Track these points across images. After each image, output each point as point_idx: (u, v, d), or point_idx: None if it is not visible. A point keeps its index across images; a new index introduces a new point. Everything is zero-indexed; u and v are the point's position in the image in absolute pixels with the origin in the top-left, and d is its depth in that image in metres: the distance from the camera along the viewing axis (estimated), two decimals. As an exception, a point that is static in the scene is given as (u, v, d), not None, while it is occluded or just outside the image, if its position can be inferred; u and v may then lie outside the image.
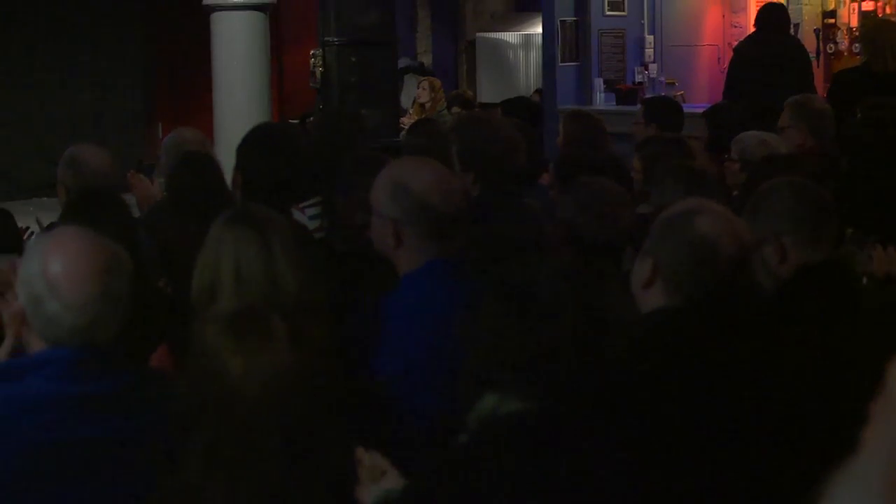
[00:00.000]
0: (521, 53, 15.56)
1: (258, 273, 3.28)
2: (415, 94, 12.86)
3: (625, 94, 12.74)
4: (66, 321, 2.72)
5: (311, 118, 11.24)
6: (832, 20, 13.00)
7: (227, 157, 5.59)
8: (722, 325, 3.07)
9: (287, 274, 3.29)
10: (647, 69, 13.47)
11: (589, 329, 2.51)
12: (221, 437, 2.31)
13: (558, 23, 12.74)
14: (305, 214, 4.94)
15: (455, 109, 12.11)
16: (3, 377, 2.76)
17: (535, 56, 14.89)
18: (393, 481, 2.58)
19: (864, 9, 12.66)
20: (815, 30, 13.17)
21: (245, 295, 3.19)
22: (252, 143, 4.91)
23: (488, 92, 15.20)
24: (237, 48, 9.49)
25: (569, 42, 12.85)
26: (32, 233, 5.19)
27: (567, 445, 2.46)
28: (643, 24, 13.60)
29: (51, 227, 4.51)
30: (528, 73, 15.34)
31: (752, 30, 10.13)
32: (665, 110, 7.28)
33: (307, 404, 2.34)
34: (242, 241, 3.32)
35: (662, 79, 13.56)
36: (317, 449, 2.35)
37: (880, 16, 12.19)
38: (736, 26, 13.99)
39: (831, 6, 13.01)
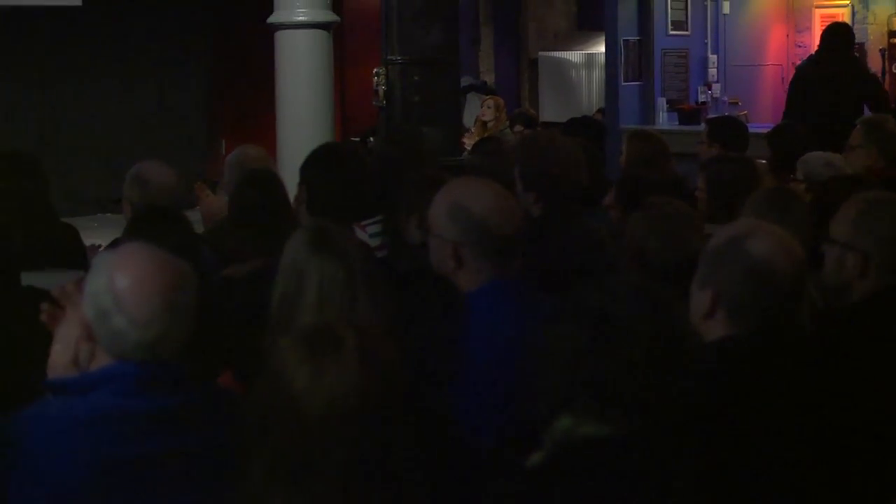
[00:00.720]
0: (583, 72, 15.53)
1: (339, 299, 3.29)
2: (477, 112, 12.87)
3: (687, 113, 12.71)
4: (131, 336, 2.74)
5: (373, 137, 11.27)
6: (898, 40, 12.93)
7: (289, 175, 5.61)
8: (793, 349, 3.03)
9: (367, 299, 3.30)
10: (710, 88, 13.43)
11: (664, 351, 2.49)
12: (284, 451, 2.31)
13: (621, 42, 12.73)
14: (367, 233, 4.95)
15: (518, 128, 12.10)
16: (69, 391, 2.78)
17: (598, 75, 14.86)
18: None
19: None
20: (880, 50, 13.08)
21: (325, 316, 3.21)
22: (316, 162, 4.93)
23: (550, 111, 15.18)
24: (301, 66, 9.50)
25: (632, 61, 12.83)
26: (100, 246, 5.23)
27: (644, 469, 2.44)
28: (706, 44, 13.57)
29: (115, 243, 4.55)
30: (590, 93, 15.31)
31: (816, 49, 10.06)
32: (729, 130, 7.23)
33: (373, 421, 2.33)
34: (328, 269, 3.34)
35: (725, 98, 13.51)
36: (382, 466, 2.34)
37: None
38: (800, 46, 13.93)
39: (897, 26, 12.94)
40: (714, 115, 11.30)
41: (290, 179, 5.40)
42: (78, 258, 5.44)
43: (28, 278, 4.04)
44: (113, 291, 2.75)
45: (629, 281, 2.93)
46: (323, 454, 2.29)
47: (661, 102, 12.99)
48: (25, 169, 5.90)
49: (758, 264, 3.03)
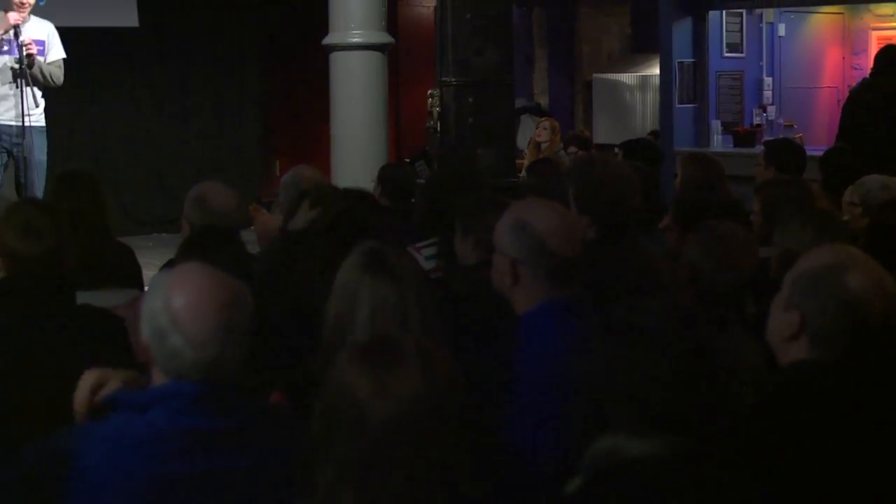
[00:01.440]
0: (637, 94, 15.50)
1: (391, 319, 3.30)
2: (531, 134, 12.87)
3: (742, 136, 12.66)
4: (188, 355, 2.75)
5: (422, 161, 11.27)
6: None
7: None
8: (872, 382, 3.00)
9: (418, 320, 3.31)
10: (765, 111, 13.38)
11: (705, 371, 2.47)
12: (352, 458, 2.31)
13: (676, 64, 12.70)
14: (422, 255, 4.96)
15: (572, 150, 12.09)
16: (127, 408, 2.79)
17: (652, 97, 14.83)
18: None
19: None
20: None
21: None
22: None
23: (605, 133, 15.16)
24: (355, 87, 9.55)
25: (686, 83, 12.80)
26: None
27: (689, 492, 2.42)
28: (762, 66, 13.53)
29: (169, 263, 4.57)
30: (644, 115, 15.28)
31: (871, 71, 10.01)
32: (785, 153, 7.19)
33: (436, 429, 2.34)
34: (380, 290, 3.35)
35: (781, 121, 13.46)
36: (443, 474, 2.34)
37: None
38: (856, 68, 13.87)
39: (956, 49, 12.80)
40: (771, 138, 11.25)
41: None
42: (133, 277, 5.47)
43: (84, 297, 4.06)
44: (170, 311, 2.76)
45: (665, 299, 2.91)
46: (389, 460, 2.29)
47: (716, 125, 12.96)
48: (82, 188, 5.95)
49: (853, 299, 2.99)
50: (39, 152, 9.79)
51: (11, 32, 9.55)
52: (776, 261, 4.39)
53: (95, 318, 3.87)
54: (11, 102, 9.69)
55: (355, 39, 9.51)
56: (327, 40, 9.66)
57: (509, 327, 3.66)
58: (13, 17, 9.50)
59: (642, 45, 16.05)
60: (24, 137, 9.60)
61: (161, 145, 13.58)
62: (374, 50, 9.58)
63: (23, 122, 9.53)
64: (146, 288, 5.09)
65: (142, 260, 5.90)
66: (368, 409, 2.31)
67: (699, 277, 4.06)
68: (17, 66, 9.57)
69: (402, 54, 14.81)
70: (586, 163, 5.46)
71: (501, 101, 10.21)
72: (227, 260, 3.74)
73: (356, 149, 9.31)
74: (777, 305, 3.14)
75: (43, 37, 9.84)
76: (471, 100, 10.00)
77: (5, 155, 9.76)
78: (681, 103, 12.78)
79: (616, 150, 8.81)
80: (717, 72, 13.03)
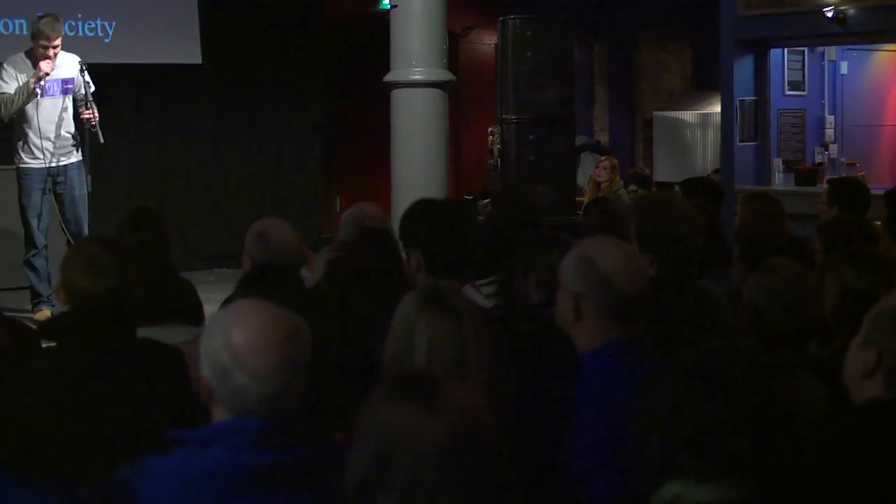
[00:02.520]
0: (698, 132, 15.45)
1: (448, 357, 3.31)
2: (591, 172, 12.86)
3: (804, 174, 12.58)
4: (253, 391, 2.76)
5: (485, 199, 11.30)
6: None
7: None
8: None
9: (476, 358, 3.32)
10: (826, 149, 13.30)
11: (774, 414, 2.45)
12: (416, 484, 2.32)
13: (737, 102, 12.65)
14: (482, 293, 4.94)
15: (632, 188, 12.08)
16: (191, 444, 2.81)
17: (713, 135, 14.78)
18: None
19: None
20: None
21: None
22: (428, 218, 4.95)
23: (665, 171, 15.11)
24: (416, 124, 9.59)
25: (747, 121, 12.74)
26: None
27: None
28: (823, 104, 13.45)
29: (229, 300, 4.59)
30: (705, 153, 15.22)
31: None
32: (849, 192, 7.14)
33: (487, 447, 2.35)
34: (437, 327, 3.36)
35: (843, 159, 13.37)
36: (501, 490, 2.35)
37: None
38: (920, 107, 13.77)
39: None
40: (833, 177, 11.18)
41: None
42: (195, 313, 5.50)
43: (146, 333, 4.09)
44: (230, 349, 2.78)
45: (730, 340, 2.89)
46: (454, 479, 2.30)
47: (777, 163, 12.89)
48: (145, 223, 5.99)
49: None
50: (81, 187, 9.96)
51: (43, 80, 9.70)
52: (833, 301, 4.35)
53: (157, 353, 3.90)
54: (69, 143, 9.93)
55: (416, 77, 9.55)
56: (389, 77, 9.71)
57: (570, 365, 3.64)
58: (45, 66, 9.65)
59: (703, 82, 16.01)
60: (66, 175, 9.87)
61: (222, 181, 13.67)
62: (435, 87, 9.61)
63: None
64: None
65: (203, 295, 5.91)
66: (425, 434, 2.32)
67: (762, 319, 4.02)
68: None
69: (462, 91, 14.87)
70: (649, 200, 5.45)
71: (562, 139, 10.24)
72: (286, 296, 3.74)
73: (417, 186, 9.32)
74: (855, 343, 3.12)
75: (73, 75, 9.96)
76: (531, 137, 10.04)
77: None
78: (742, 141, 12.72)
79: (676, 188, 8.79)
80: (778, 110, 12.96)
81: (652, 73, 17.08)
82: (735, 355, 2.52)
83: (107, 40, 12.28)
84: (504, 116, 10.53)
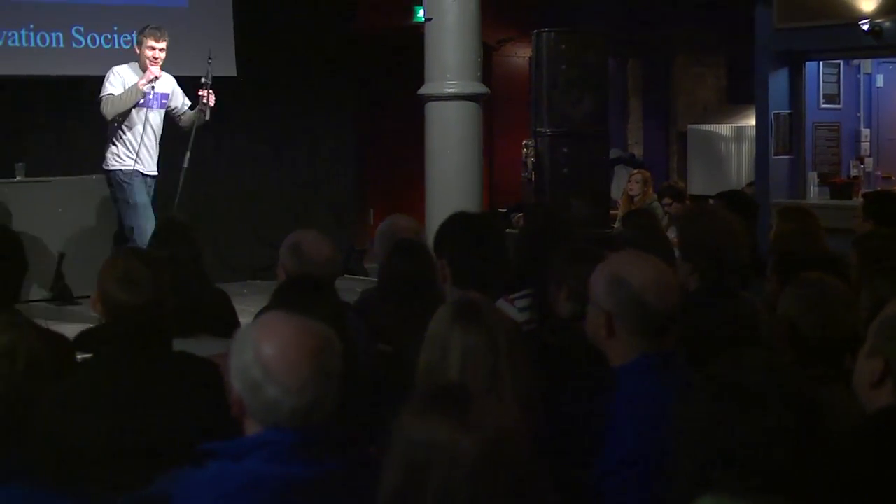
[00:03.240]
0: (733, 146, 15.42)
1: (481, 370, 3.32)
2: (625, 185, 12.85)
3: (839, 187, 12.54)
4: (286, 404, 2.76)
5: (518, 212, 11.29)
6: None
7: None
8: None
9: (509, 371, 3.32)
10: (862, 162, 13.25)
11: (811, 429, 2.44)
12: (453, 495, 2.32)
13: (772, 115, 12.62)
14: (515, 306, 4.94)
15: (666, 201, 12.05)
16: (224, 457, 2.81)
17: (748, 148, 14.75)
18: None
19: None
20: None
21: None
22: (458, 231, 4.96)
23: (699, 184, 15.09)
24: (450, 137, 9.58)
25: (782, 135, 12.71)
26: None
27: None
28: (859, 117, 13.40)
29: (263, 311, 4.60)
30: (739, 166, 15.19)
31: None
32: (885, 205, 7.11)
33: (522, 456, 2.36)
34: (470, 341, 3.37)
35: (878, 172, 13.32)
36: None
37: None
38: (957, 120, 13.70)
39: None
40: (869, 190, 11.13)
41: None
42: (230, 324, 5.51)
43: (181, 344, 4.11)
44: (261, 362, 2.78)
45: (764, 353, 2.88)
46: (489, 488, 2.31)
47: (812, 176, 12.84)
48: (179, 235, 6.02)
49: None
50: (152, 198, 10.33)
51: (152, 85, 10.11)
52: (867, 315, 4.33)
53: (192, 365, 3.92)
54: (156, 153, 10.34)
55: (451, 90, 9.55)
56: (423, 90, 9.72)
57: (603, 379, 3.64)
58: (155, 70, 10.04)
59: (738, 96, 15.98)
60: (153, 187, 10.35)
61: (256, 192, 13.70)
62: (469, 100, 9.61)
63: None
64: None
65: (237, 307, 5.94)
66: (459, 448, 2.32)
67: (797, 332, 4.01)
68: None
69: (496, 104, 14.87)
70: (694, 211, 5.44)
71: (596, 152, 10.24)
72: (320, 308, 3.75)
73: (450, 198, 9.32)
74: (862, 353, 3.11)
75: (168, 91, 10.36)
76: (565, 150, 10.04)
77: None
78: (777, 154, 12.68)
79: (710, 201, 8.74)
80: (813, 123, 12.93)
81: (686, 85, 17.05)
82: (771, 369, 2.51)
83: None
84: (538, 129, 10.54)
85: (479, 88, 9.69)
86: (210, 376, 3.83)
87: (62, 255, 11.21)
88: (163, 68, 10.21)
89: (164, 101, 10.27)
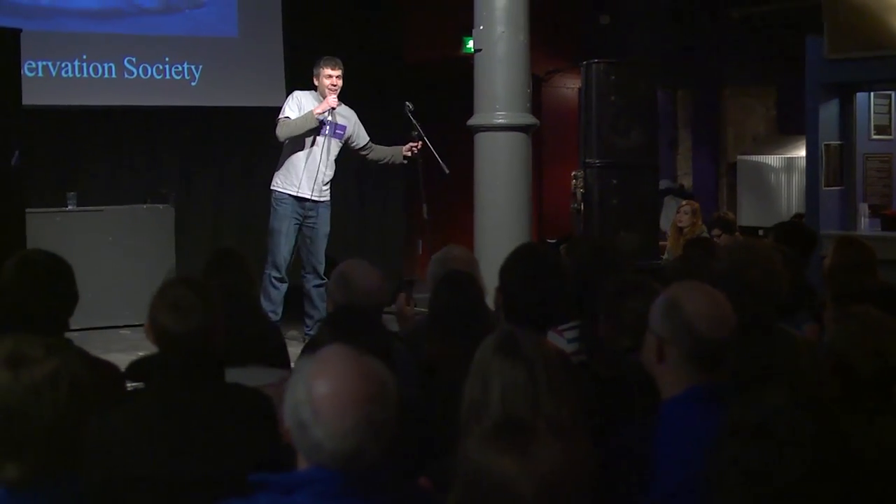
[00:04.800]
0: (783, 176, 15.35)
1: (521, 403, 3.31)
2: (674, 216, 12.81)
3: (891, 219, 12.44)
4: (327, 447, 2.75)
5: (567, 244, 11.26)
6: None
7: (486, 276, 5.65)
8: None
9: (550, 403, 3.31)
10: (914, 194, 13.14)
11: (841, 466, 2.42)
12: None
13: (822, 146, 12.54)
14: (564, 338, 4.93)
15: (716, 232, 12.01)
16: (274, 490, 2.81)
17: (798, 179, 14.67)
18: None
19: None
20: None
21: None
22: (514, 264, 4.96)
23: (749, 215, 15.01)
24: (499, 168, 9.57)
25: (833, 166, 12.63)
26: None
27: None
28: (911, 148, 13.30)
29: (312, 342, 4.61)
30: (790, 197, 15.11)
31: None
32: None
33: (580, 496, 2.35)
34: (509, 372, 3.37)
35: (931, 204, 13.20)
36: None
37: None
38: None
39: None
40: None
41: (488, 280, 5.44)
42: (280, 355, 5.53)
43: (231, 374, 4.12)
44: (311, 402, 2.76)
45: (795, 388, 2.88)
46: None
47: (863, 208, 12.75)
48: (231, 265, 6.04)
49: None
50: (326, 225, 10.81)
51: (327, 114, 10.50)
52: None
53: (245, 396, 3.92)
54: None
55: (500, 120, 9.55)
56: (472, 121, 9.72)
57: (652, 412, 3.63)
58: (332, 100, 10.43)
59: (788, 126, 15.91)
60: (317, 211, 10.70)
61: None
62: (519, 131, 9.60)
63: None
64: (292, 365, 5.16)
65: (286, 336, 5.97)
66: (518, 486, 2.32)
67: (846, 366, 3.98)
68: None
69: (545, 135, 14.87)
70: (735, 244, 5.42)
71: (645, 183, 10.21)
72: (367, 340, 3.76)
73: (499, 229, 9.32)
74: None
75: (345, 123, 10.77)
76: (615, 181, 10.02)
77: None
78: (827, 186, 12.60)
79: (760, 232, 8.70)
80: (864, 154, 12.83)
81: (736, 117, 17.00)
82: (799, 409, 2.49)
83: (193, 83, 12.44)
84: (587, 160, 10.53)
85: (529, 119, 9.69)
86: (263, 408, 3.84)
87: (112, 284, 11.29)
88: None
89: (338, 131, 10.63)
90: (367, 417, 2.76)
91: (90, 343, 9.53)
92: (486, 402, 3.38)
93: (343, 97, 11.09)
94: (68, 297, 4.58)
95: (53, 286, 4.53)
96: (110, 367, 4.68)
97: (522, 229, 9.49)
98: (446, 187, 12.42)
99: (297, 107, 10.44)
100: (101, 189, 12.12)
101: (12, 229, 7.72)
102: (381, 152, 10.77)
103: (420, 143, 10.66)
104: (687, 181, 17.06)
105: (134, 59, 12.35)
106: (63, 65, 12.06)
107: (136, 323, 10.94)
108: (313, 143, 10.45)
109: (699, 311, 3.57)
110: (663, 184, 14.50)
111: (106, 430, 3.58)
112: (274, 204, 10.55)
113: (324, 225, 10.66)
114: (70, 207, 11.61)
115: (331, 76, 10.41)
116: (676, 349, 3.58)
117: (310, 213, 10.55)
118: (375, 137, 14.01)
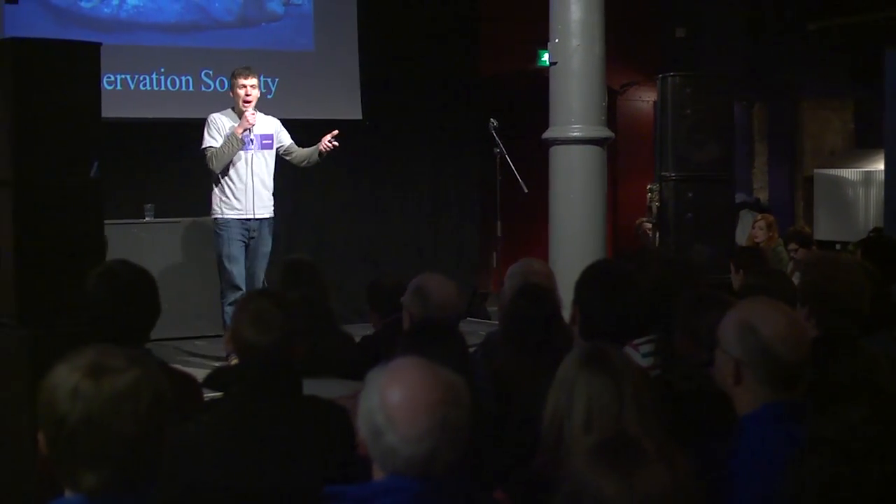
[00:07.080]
0: (861, 190, 15.21)
1: (607, 417, 3.31)
2: (750, 230, 12.72)
3: (971, 234, 12.29)
4: (402, 453, 2.77)
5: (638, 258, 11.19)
6: None
7: (561, 289, 5.64)
8: None
9: (635, 418, 3.31)
10: None
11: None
12: None
13: (901, 160, 12.43)
14: (639, 352, 4.92)
15: (792, 246, 11.91)
16: (350, 501, 2.83)
17: (876, 193, 14.53)
18: None
19: None
20: None
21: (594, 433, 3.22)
22: (590, 280, 4.95)
23: (826, 229, 14.89)
24: (575, 181, 9.56)
25: (912, 179, 12.50)
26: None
27: None
28: None
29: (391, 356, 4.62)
30: (868, 211, 14.97)
31: None
32: None
33: None
34: (596, 386, 3.37)
35: None
36: None
37: None
38: None
39: None
40: None
41: (562, 294, 5.43)
42: (355, 367, 5.55)
43: (307, 385, 4.14)
44: (385, 409, 2.79)
45: (874, 405, 2.85)
46: None
47: (943, 222, 12.62)
48: (306, 276, 6.08)
49: None
50: (267, 244, 10.35)
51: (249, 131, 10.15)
52: None
53: (322, 408, 3.94)
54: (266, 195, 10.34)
55: (575, 133, 9.54)
56: (548, 134, 9.72)
57: (730, 428, 3.61)
58: (250, 117, 10.09)
59: (866, 140, 15.77)
60: (259, 230, 10.26)
61: (379, 235, 13.81)
62: (594, 144, 9.59)
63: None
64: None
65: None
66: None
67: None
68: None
69: (620, 148, 14.84)
70: (817, 257, 5.39)
71: (721, 197, 10.13)
72: (445, 353, 3.77)
73: (574, 242, 9.31)
74: None
75: (271, 131, 10.40)
76: (690, 194, 9.94)
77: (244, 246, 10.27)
78: (906, 200, 12.49)
79: (850, 247, 8.58)
80: (944, 167, 12.71)
81: (813, 130, 16.86)
82: (879, 426, 2.47)
83: (270, 96, 12.52)
84: (663, 173, 10.46)
85: (604, 132, 9.67)
86: (339, 420, 3.86)
87: (189, 295, 11.39)
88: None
89: (265, 141, 10.32)
90: (440, 421, 2.77)
91: (167, 354, 9.65)
92: (570, 415, 3.39)
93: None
94: (151, 309, 4.61)
95: (136, 298, 4.57)
96: (188, 379, 4.72)
97: (597, 242, 9.47)
98: (521, 199, 12.44)
99: (217, 131, 10.15)
100: (178, 200, 12.22)
101: (91, 240, 7.78)
102: (301, 154, 10.51)
103: (333, 140, 10.35)
104: (763, 195, 16.94)
105: (211, 73, 12.46)
106: (141, 78, 12.19)
107: (212, 334, 11.05)
108: (241, 161, 10.15)
109: (777, 334, 3.53)
110: (739, 197, 14.41)
111: (184, 441, 3.61)
112: (217, 230, 10.18)
113: (264, 245, 10.28)
114: (147, 219, 11.73)
115: (244, 86, 10.10)
116: (754, 371, 3.54)
117: (253, 234, 10.19)
118: (453, 152, 14.09)
